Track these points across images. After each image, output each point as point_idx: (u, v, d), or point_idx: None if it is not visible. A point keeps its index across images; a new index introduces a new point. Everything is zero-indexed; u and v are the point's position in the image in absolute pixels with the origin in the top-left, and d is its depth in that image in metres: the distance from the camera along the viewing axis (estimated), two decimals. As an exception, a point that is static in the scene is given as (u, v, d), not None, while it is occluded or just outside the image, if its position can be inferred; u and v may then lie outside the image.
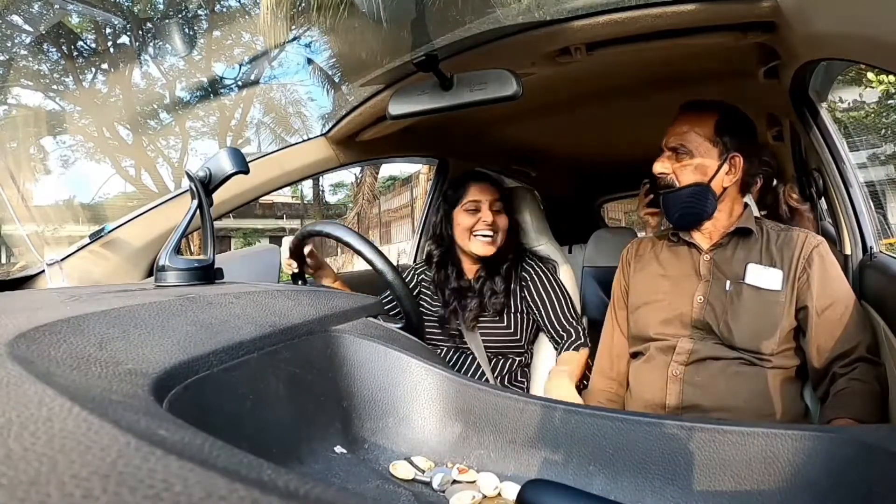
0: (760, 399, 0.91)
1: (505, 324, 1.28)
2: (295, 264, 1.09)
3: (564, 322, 1.27)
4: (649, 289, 1.05)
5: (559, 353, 1.25)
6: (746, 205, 1.03)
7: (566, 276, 1.38)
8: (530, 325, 1.30)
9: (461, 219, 1.28)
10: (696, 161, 0.97)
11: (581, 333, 1.26)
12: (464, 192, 1.29)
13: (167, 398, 0.31)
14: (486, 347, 1.26)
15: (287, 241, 1.10)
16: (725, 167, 0.97)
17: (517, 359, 1.29)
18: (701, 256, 1.01)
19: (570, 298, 1.32)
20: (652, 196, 1.39)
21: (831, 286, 0.91)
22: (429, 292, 1.36)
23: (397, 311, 1.05)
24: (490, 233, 1.26)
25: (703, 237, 1.02)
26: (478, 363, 1.26)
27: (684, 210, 1.00)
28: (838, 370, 0.88)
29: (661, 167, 1.00)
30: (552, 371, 1.18)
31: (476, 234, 1.26)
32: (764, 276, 0.94)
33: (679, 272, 1.03)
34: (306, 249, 1.09)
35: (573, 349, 1.23)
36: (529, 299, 1.29)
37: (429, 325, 1.29)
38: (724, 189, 0.99)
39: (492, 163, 1.89)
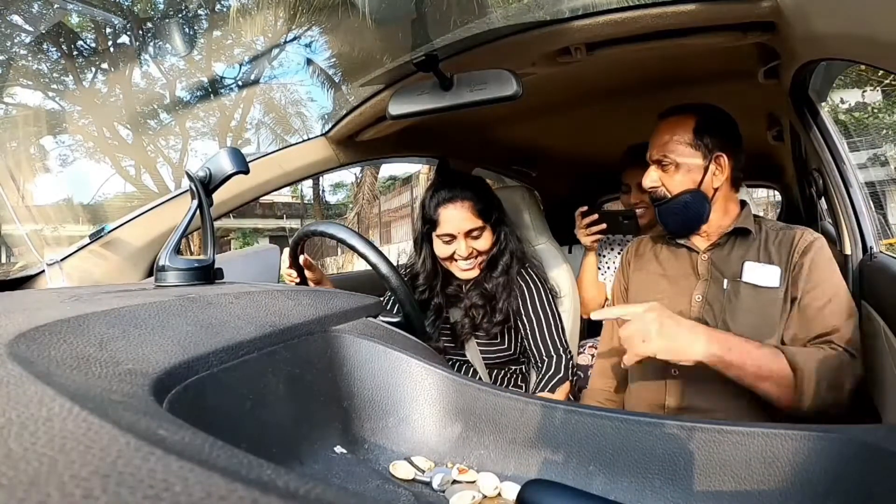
0: (760, 398, 0.90)
1: (499, 340, 1.23)
2: (295, 273, 1.09)
3: (549, 347, 1.18)
4: (648, 288, 1.05)
5: (538, 385, 1.15)
6: (745, 203, 1.03)
7: (566, 276, 1.38)
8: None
9: (438, 245, 1.19)
10: (682, 169, 0.97)
11: (563, 365, 1.16)
12: (437, 220, 1.17)
13: (167, 398, 0.31)
14: (484, 360, 1.23)
15: (287, 252, 1.09)
16: (712, 168, 0.97)
17: (516, 367, 1.27)
18: (699, 256, 1.01)
19: (559, 321, 1.22)
20: (592, 217, 1.38)
21: (819, 275, 0.90)
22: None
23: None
24: (469, 261, 1.18)
25: (701, 239, 1.02)
26: (479, 377, 1.22)
27: (680, 219, 1.00)
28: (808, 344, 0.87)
29: (649, 181, 1.00)
30: None
31: (455, 260, 1.18)
32: (761, 274, 0.93)
33: (678, 272, 1.03)
34: (305, 261, 1.08)
35: (550, 389, 1.13)
36: (522, 314, 1.21)
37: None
38: (716, 190, 0.99)
39: (492, 163, 1.89)
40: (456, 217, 1.15)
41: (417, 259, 1.28)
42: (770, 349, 0.83)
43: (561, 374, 1.16)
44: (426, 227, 1.21)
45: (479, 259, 1.19)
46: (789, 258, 0.93)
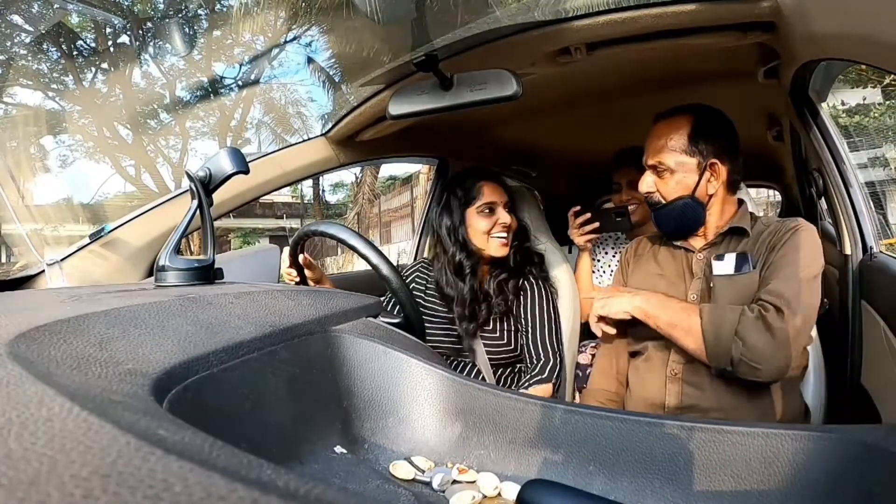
0: (760, 397, 0.91)
1: (498, 333, 1.25)
2: (295, 273, 1.09)
3: (542, 347, 1.24)
4: (646, 288, 1.05)
5: (523, 384, 1.21)
6: (742, 201, 1.03)
7: (566, 276, 1.38)
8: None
9: (476, 221, 1.25)
10: (676, 176, 0.97)
11: (549, 368, 1.21)
12: (477, 194, 1.26)
13: (167, 398, 0.31)
14: (490, 359, 1.24)
15: (288, 251, 1.10)
16: (707, 175, 0.97)
17: (521, 365, 1.27)
18: (694, 256, 1.01)
19: (557, 325, 1.28)
20: (585, 216, 1.39)
21: (788, 250, 0.89)
22: (422, 295, 1.33)
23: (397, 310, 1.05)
24: (505, 234, 1.26)
25: (698, 239, 1.03)
26: (482, 376, 1.23)
27: (674, 224, 1.01)
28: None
29: (645, 186, 1.01)
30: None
31: (493, 235, 1.25)
32: (727, 263, 0.94)
33: (674, 272, 1.03)
34: (305, 260, 1.08)
35: (533, 384, 1.18)
36: (526, 313, 1.26)
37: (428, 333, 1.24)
38: (711, 196, 0.99)
39: (492, 163, 1.89)
40: (497, 189, 1.29)
41: (454, 245, 1.26)
42: (687, 305, 0.94)
43: (544, 376, 1.21)
44: (462, 208, 1.27)
45: (510, 237, 1.28)
46: (775, 242, 0.92)
